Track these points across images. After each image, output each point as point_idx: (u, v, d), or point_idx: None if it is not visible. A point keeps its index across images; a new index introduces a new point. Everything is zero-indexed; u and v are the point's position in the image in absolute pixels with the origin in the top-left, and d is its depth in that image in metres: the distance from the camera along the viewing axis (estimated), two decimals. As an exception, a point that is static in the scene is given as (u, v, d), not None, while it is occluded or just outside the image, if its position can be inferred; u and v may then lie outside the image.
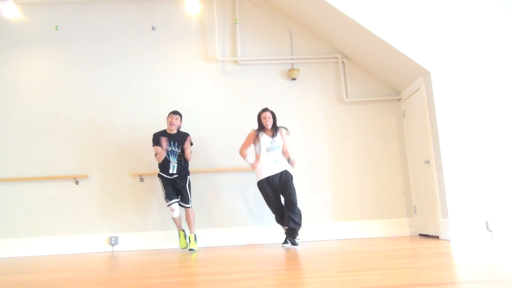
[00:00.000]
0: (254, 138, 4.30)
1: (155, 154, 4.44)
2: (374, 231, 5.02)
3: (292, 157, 4.40)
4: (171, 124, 4.45)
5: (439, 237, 4.44)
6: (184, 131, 4.65)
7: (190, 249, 4.35)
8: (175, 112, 4.53)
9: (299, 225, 4.17)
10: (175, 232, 4.84)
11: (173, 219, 4.49)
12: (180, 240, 4.53)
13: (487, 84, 4.43)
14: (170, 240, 4.87)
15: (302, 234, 4.95)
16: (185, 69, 5.30)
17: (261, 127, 4.31)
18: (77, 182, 4.98)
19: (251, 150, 4.40)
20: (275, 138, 4.27)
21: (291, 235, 4.20)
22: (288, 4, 5.20)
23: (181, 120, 4.56)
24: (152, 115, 5.11)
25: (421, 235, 4.94)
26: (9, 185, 4.95)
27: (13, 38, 5.28)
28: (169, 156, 4.43)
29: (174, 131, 4.51)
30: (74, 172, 5.01)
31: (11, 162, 5.00)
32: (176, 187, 4.46)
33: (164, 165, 4.45)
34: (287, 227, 4.23)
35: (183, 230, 4.55)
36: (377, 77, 5.34)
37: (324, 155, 5.18)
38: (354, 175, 5.15)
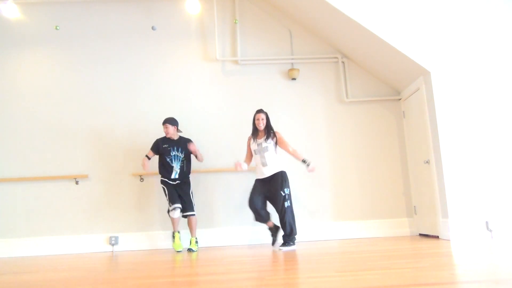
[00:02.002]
0: (249, 143, 4.35)
1: (144, 159, 4.52)
2: (374, 231, 5.02)
3: (309, 161, 4.22)
4: (166, 133, 4.53)
5: (439, 237, 4.44)
6: (185, 134, 4.70)
7: (190, 249, 4.36)
8: (164, 122, 4.54)
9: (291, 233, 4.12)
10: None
11: (172, 219, 4.47)
12: (175, 242, 4.49)
13: (487, 84, 4.43)
14: (170, 240, 4.87)
15: (301, 234, 4.97)
16: (185, 69, 5.30)
17: (255, 129, 4.29)
18: (77, 182, 4.98)
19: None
20: (263, 142, 4.19)
21: (282, 240, 4.19)
22: (288, 4, 5.20)
23: (173, 125, 4.54)
24: (152, 115, 5.12)
25: (421, 235, 4.94)
26: (9, 185, 4.95)
27: (13, 38, 5.28)
28: (172, 162, 4.48)
29: (175, 138, 4.57)
30: (74, 172, 5.01)
31: (11, 162, 5.00)
32: (178, 192, 4.48)
33: (166, 170, 4.49)
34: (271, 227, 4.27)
35: (179, 232, 4.54)
36: (377, 77, 5.34)
37: (324, 155, 5.18)
38: (354, 175, 5.15)
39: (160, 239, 4.87)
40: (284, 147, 4.28)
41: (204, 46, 5.37)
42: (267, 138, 4.19)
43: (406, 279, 2.07)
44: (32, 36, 5.30)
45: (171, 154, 4.48)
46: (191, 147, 4.52)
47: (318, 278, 2.25)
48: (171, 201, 4.41)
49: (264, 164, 4.17)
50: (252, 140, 4.29)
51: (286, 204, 4.10)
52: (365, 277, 2.18)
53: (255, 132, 4.28)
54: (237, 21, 5.34)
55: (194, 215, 4.50)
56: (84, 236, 4.87)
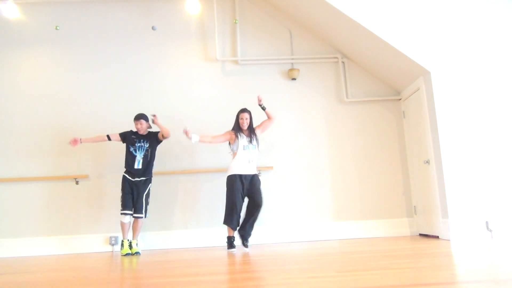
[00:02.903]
0: (230, 136, 4.36)
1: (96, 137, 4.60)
2: (374, 231, 5.02)
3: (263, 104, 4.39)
4: (139, 129, 4.50)
5: (439, 237, 4.44)
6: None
7: (136, 252, 4.34)
8: (139, 117, 4.50)
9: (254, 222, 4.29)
10: (175, 232, 4.85)
11: (122, 224, 4.39)
12: (123, 248, 4.37)
13: (487, 84, 4.43)
14: (170, 240, 4.88)
15: (301, 234, 4.97)
16: (185, 69, 5.31)
17: (237, 127, 4.35)
18: (77, 182, 4.98)
19: (223, 147, 4.38)
20: (253, 139, 4.32)
21: (247, 237, 4.25)
22: (288, 4, 5.20)
23: (147, 121, 4.53)
24: (152, 115, 5.12)
25: (421, 235, 4.94)
26: (9, 185, 4.95)
27: (13, 38, 5.28)
28: (135, 151, 4.48)
29: (145, 133, 4.56)
30: (74, 172, 5.01)
31: (11, 162, 5.00)
32: (133, 193, 4.42)
33: (129, 160, 4.48)
34: (241, 232, 4.26)
35: (128, 240, 4.44)
36: (377, 77, 5.34)
37: (324, 155, 5.18)
38: (354, 175, 5.15)
39: (160, 239, 4.87)
40: (265, 125, 4.46)
41: (204, 46, 5.37)
42: (254, 135, 4.34)
43: (406, 279, 2.07)
44: (32, 36, 5.30)
45: (136, 145, 4.49)
46: (155, 120, 4.45)
47: (318, 278, 2.25)
48: (124, 206, 4.38)
49: (250, 161, 4.28)
50: (239, 136, 4.31)
51: (262, 199, 4.26)
52: (365, 277, 2.18)
53: (238, 129, 4.34)
54: (237, 21, 5.34)
55: (141, 217, 4.43)
56: (84, 236, 4.87)
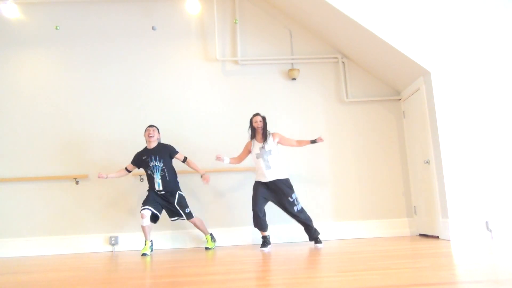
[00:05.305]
0: (248, 147, 4.38)
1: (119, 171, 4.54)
2: (374, 231, 5.02)
3: (316, 137, 4.47)
4: (149, 136, 4.37)
5: (439, 237, 4.44)
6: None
7: (206, 248, 4.50)
8: (151, 125, 4.47)
9: (310, 226, 4.31)
10: (175, 232, 4.86)
11: (142, 227, 4.26)
12: (144, 247, 4.27)
13: (487, 84, 4.43)
14: (170, 240, 4.88)
15: (301, 234, 4.96)
16: (185, 69, 5.31)
17: (253, 132, 4.34)
18: (77, 182, 4.98)
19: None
20: (265, 144, 4.25)
21: (314, 238, 4.33)
22: (288, 4, 5.20)
23: (158, 132, 4.47)
24: (152, 115, 5.12)
25: (421, 235, 4.94)
26: (9, 185, 4.95)
27: (13, 38, 5.28)
28: (153, 173, 4.35)
29: (154, 144, 4.39)
30: (74, 172, 5.01)
31: (11, 162, 5.00)
32: (162, 202, 4.37)
33: (151, 182, 4.39)
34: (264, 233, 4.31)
35: (151, 241, 4.36)
36: (377, 77, 5.34)
37: (324, 155, 5.18)
38: (354, 175, 5.15)
39: (160, 239, 4.86)
40: (289, 142, 4.40)
41: (204, 46, 5.37)
42: (266, 139, 4.26)
43: (406, 279, 2.07)
44: (32, 36, 5.30)
45: (150, 164, 4.34)
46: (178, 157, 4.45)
47: (318, 278, 2.25)
48: (144, 202, 4.28)
49: (267, 167, 4.22)
50: (252, 144, 4.32)
51: (297, 208, 4.25)
52: (365, 277, 2.18)
53: (254, 135, 4.34)
54: (237, 21, 5.34)
55: (188, 218, 4.39)
56: (84, 236, 4.87)
